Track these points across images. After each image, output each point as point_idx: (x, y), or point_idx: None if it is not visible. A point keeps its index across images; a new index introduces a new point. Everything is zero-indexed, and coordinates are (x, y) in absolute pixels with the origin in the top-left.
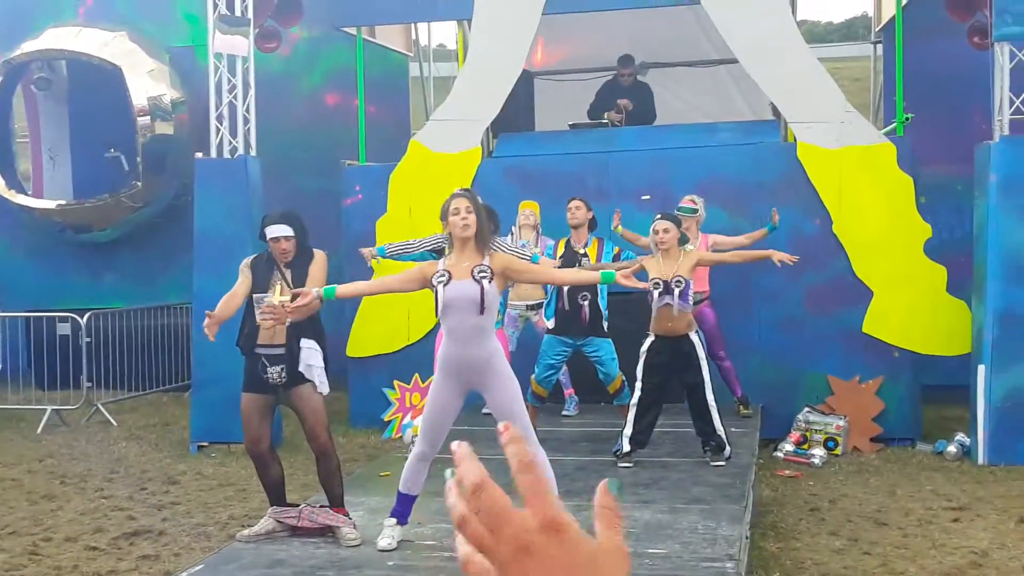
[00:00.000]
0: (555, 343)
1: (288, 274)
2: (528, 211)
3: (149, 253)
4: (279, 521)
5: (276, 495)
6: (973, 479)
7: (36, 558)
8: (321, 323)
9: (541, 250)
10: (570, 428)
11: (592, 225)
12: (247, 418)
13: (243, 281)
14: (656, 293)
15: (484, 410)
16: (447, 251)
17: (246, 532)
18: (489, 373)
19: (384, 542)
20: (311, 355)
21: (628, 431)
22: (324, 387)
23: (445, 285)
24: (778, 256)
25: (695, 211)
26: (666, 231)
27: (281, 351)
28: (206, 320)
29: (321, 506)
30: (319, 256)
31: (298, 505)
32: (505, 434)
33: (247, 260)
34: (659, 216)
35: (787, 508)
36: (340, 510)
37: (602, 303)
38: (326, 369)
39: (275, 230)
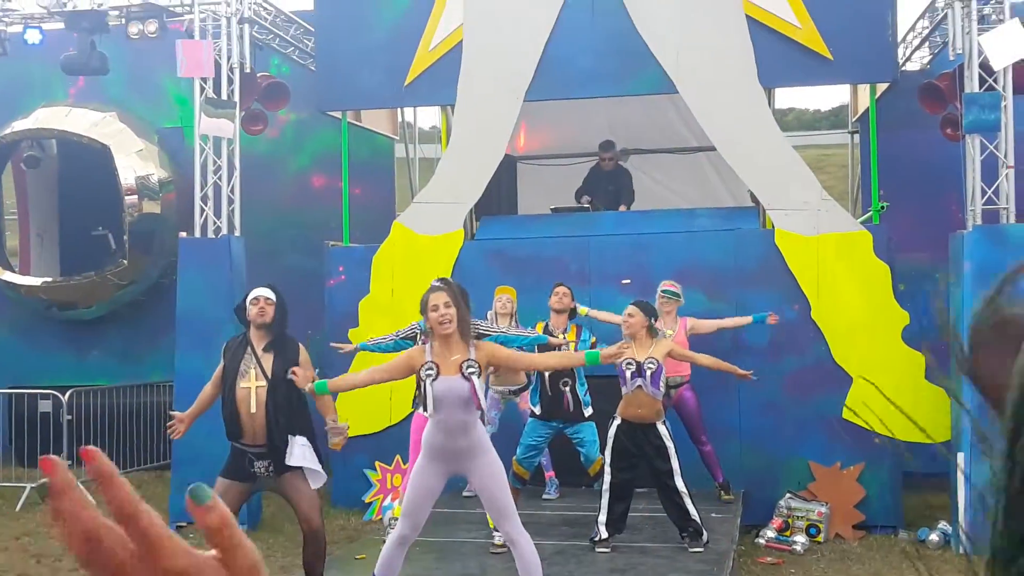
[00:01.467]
0: (538, 426)
1: (268, 360)
2: (505, 297)
3: (134, 331)
4: None
5: None
6: (955, 568)
7: None
8: (309, 414)
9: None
10: (550, 512)
11: (571, 314)
12: None
13: (220, 368)
14: (628, 373)
15: (465, 492)
16: (429, 339)
17: None
18: (473, 457)
19: None
20: (305, 453)
21: (602, 517)
22: (318, 481)
23: (433, 380)
24: (739, 373)
25: (678, 295)
26: (631, 315)
27: (264, 449)
28: (174, 420)
29: None
30: (304, 355)
31: None
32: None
33: (226, 343)
34: (631, 304)
35: None
36: None
37: (580, 389)
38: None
39: (257, 291)
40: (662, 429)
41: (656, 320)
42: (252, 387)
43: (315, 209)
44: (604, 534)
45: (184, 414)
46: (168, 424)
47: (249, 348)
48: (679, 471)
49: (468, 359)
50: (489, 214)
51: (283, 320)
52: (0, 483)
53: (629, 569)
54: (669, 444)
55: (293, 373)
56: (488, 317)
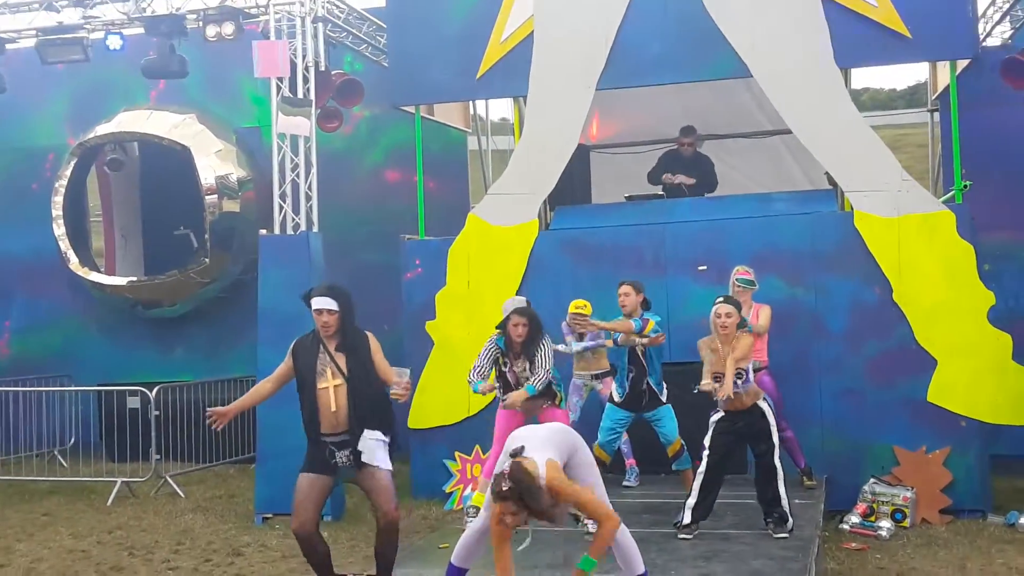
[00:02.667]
0: (615, 410)
1: (342, 359)
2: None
3: (216, 328)
4: None
5: (324, 572)
6: None
7: None
8: (390, 405)
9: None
10: (631, 500)
11: (646, 305)
12: (301, 500)
13: (284, 365)
14: (717, 387)
15: None
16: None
17: None
18: None
19: None
20: (376, 447)
21: (692, 501)
22: (386, 464)
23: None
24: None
25: (753, 283)
26: (728, 315)
27: (346, 437)
28: (212, 413)
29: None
30: (374, 343)
31: (344, 575)
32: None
33: (294, 344)
34: (721, 300)
35: None
36: None
37: (653, 380)
38: (392, 446)
39: (318, 302)
40: (764, 406)
41: (741, 310)
42: (331, 386)
43: (390, 204)
44: (688, 519)
45: (227, 407)
46: (208, 415)
47: (322, 347)
48: (779, 451)
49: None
50: (563, 204)
51: (351, 320)
52: (93, 478)
53: (712, 556)
54: (771, 420)
55: (396, 397)
56: (563, 329)
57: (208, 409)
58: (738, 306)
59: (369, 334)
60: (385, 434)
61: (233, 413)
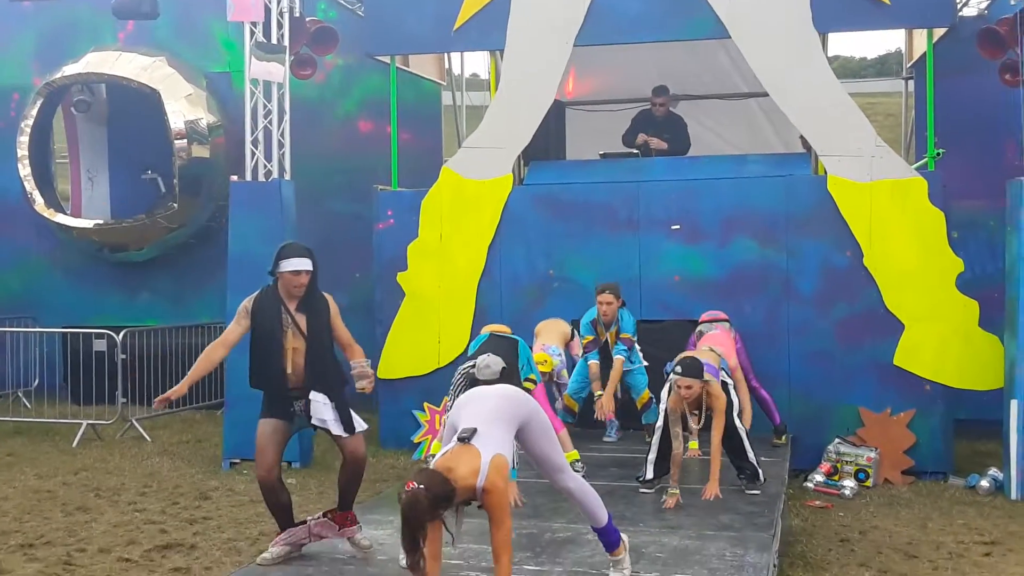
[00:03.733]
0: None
1: (302, 320)
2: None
3: (183, 273)
4: (290, 544)
5: (284, 520)
6: (1006, 514)
7: (70, 568)
8: (342, 370)
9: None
10: (598, 454)
11: (622, 305)
12: (263, 447)
13: (237, 327)
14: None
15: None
16: None
17: (266, 556)
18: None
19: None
20: (321, 410)
21: (652, 455)
22: (353, 428)
23: None
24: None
25: (727, 320)
26: (688, 388)
27: (300, 392)
28: (161, 400)
29: (326, 513)
30: (334, 307)
31: (304, 521)
32: None
33: (247, 302)
34: (679, 371)
35: (816, 538)
36: (349, 513)
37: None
38: (347, 407)
39: (298, 263)
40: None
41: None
42: (289, 348)
43: (362, 154)
44: (650, 474)
45: (177, 387)
46: (157, 403)
47: (283, 307)
48: (737, 410)
49: None
50: (538, 159)
51: (316, 281)
52: (58, 419)
53: (679, 509)
54: (728, 398)
55: (362, 390)
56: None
57: (155, 400)
58: (698, 371)
59: (329, 298)
60: (331, 399)
61: (184, 389)
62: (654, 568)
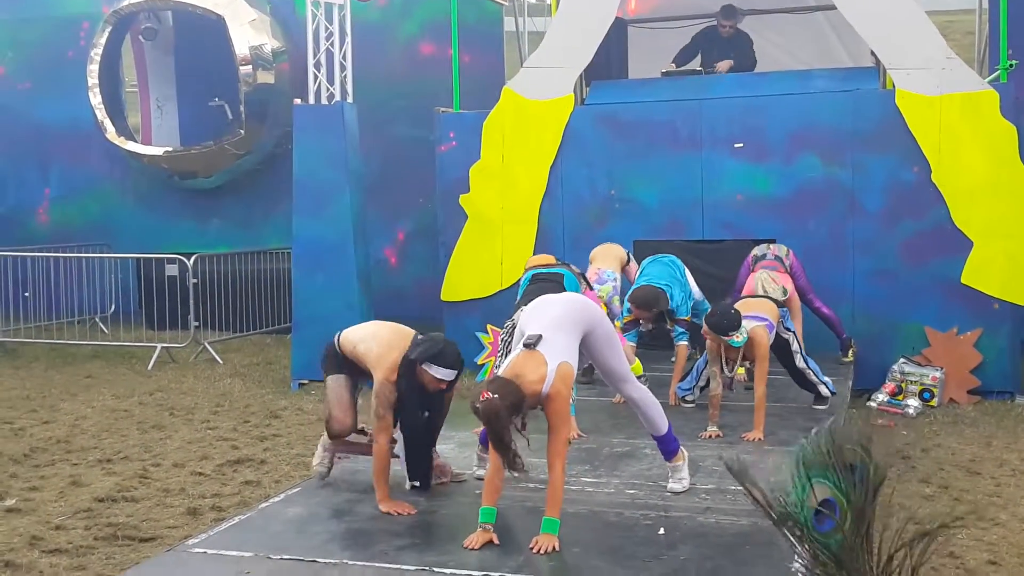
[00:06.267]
0: None
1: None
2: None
3: (251, 199)
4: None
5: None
6: None
7: (146, 481)
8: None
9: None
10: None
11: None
12: (335, 403)
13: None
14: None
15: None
16: None
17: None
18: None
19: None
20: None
21: (700, 383)
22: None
23: None
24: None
25: (780, 258)
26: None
27: None
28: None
29: None
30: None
31: (363, 431)
32: None
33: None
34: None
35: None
36: None
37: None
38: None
39: (446, 375)
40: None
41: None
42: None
43: (424, 77)
44: (695, 396)
45: (388, 501)
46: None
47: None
48: (800, 356)
49: None
50: (599, 79)
51: (452, 387)
52: (133, 343)
53: (740, 426)
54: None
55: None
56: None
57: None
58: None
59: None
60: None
61: (388, 500)
62: (710, 480)
